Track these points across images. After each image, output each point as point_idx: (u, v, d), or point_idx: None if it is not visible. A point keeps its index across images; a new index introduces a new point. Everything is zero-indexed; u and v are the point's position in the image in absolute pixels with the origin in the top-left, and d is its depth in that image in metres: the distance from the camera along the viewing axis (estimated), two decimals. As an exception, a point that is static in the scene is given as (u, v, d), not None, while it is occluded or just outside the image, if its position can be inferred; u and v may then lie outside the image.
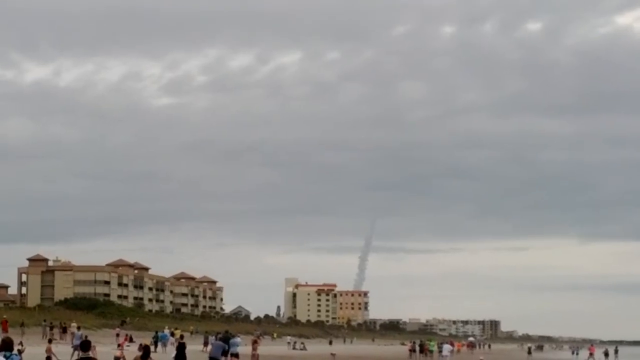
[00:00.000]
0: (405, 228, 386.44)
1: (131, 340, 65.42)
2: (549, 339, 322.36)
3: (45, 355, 36.28)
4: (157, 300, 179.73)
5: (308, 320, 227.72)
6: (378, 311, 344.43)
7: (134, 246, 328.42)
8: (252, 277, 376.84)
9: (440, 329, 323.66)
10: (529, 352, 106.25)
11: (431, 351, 79.04)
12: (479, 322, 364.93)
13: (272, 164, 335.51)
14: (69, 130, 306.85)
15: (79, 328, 60.77)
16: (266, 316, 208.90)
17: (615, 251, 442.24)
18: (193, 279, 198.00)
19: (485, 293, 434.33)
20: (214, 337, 53.24)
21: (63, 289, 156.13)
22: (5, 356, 12.91)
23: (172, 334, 68.66)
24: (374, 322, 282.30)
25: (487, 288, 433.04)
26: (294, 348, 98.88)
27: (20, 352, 24.12)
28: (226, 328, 79.32)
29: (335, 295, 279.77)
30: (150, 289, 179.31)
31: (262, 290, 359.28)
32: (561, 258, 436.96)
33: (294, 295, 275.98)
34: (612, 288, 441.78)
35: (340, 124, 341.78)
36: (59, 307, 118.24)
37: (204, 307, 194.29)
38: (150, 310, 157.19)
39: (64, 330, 68.55)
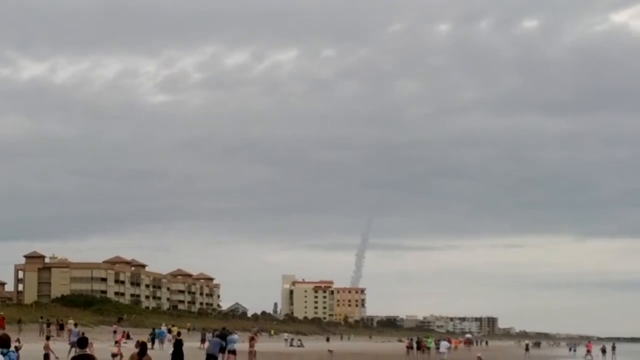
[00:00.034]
0: (402, 225, 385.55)
1: (128, 337, 65.27)
2: (546, 336, 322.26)
3: (43, 352, 36.16)
4: (154, 297, 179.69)
5: (305, 317, 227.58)
6: (375, 308, 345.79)
7: (130, 244, 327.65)
8: (249, 274, 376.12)
9: (438, 326, 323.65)
10: (527, 349, 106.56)
11: (428, 348, 79.14)
12: (476, 319, 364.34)
13: (268, 162, 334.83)
14: (65, 128, 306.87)
15: (76, 325, 60.80)
16: (263, 313, 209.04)
17: (611, 248, 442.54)
18: (190, 276, 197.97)
19: (482, 290, 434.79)
20: (211, 334, 53.15)
21: (60, 286, 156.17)
22: (2, 353, 12.86)
23: (169, 331, 68.73)
24: (371, 319, 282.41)
25: (484, 285, 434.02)
26: (291, 345, 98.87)
27: (17, 349, 24.07)
28: (223, 325, 79.35)
29: (332, 292, 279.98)
30: (147, 286, 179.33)
31: (259, 288, 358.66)
32: (558, 255, 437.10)
33: (291, 292, 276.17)
34: (608, 285, 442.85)
35: (337, 121, 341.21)
36: (56, 304, 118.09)
37: (201, 304, 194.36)
38: (147, 307, 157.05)
39: (61, 327, 68.45)
